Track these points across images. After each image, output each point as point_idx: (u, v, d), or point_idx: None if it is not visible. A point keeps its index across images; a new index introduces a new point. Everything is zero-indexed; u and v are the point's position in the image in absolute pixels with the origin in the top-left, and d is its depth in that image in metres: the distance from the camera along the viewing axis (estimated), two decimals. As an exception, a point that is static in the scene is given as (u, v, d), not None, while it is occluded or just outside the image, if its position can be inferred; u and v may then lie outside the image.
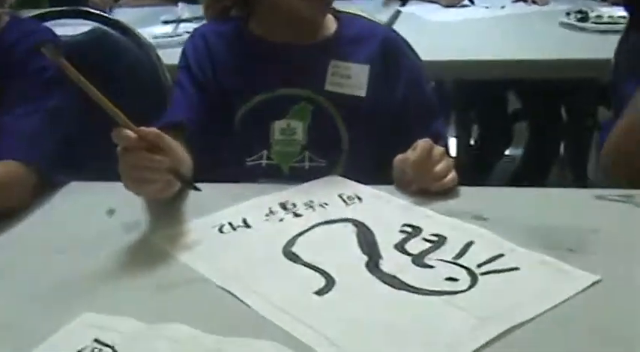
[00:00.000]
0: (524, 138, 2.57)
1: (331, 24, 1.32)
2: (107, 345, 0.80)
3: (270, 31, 1.30)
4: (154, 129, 0.99)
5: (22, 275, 0.97)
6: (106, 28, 1.68)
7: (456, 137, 2.54)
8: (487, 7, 2.44)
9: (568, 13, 2.18)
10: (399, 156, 1.13)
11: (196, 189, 1.07)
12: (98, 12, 1.76)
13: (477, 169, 2.45)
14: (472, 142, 2.61)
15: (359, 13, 1.49)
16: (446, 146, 1.32)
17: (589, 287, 0.86)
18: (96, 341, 0.80)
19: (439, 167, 1.11)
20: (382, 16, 2.32)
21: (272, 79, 1.28)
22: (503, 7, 2.44)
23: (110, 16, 1.78)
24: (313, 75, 1.27)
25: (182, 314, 0.84)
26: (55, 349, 0.80)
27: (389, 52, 1.31)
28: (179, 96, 1.32)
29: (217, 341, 0.80)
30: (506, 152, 2.65)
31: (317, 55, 1.28)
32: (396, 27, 2.25)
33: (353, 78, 1.27)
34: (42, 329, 0.82)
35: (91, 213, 1.12)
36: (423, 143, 1.11)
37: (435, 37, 2.17)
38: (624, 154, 1.22)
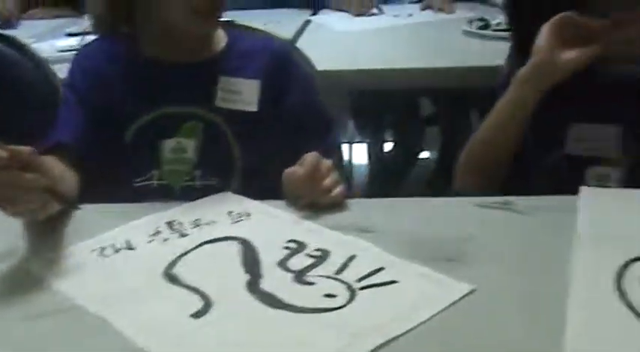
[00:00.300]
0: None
1: (221, 39, 1.31)
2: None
3: (159, 48, 1.28)
4: (26, 148, 0.96)
5: None
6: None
7: (368, 143, 2.56)
8: (396, 16, 2.46)
9: (470, 21, 2.22)
10: (288, 170, 1.13)
11: (75, 207, 1.04)
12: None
13: (392, 175, 2.47)
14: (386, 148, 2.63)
15: (252, 26, 1.48)
16: (340, 158, 1.34)
17: (464, 296, 0.87)
18: None
19: (327, 181, 1.11)
20: (292, 26, 2.34)
21: (161, 97, 1.26)
22: (410, 16, 2.47)
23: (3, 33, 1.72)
24: (203, 92, 1.26)
25: (52, 346, 0.81)
26: None
27: (280, 66, 1.31)
28: (65, 114, 1.29)
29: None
30: (423, 155, 2.69)
31: (206, 72, 1.27)
32: (305, 37, 2.27)
33: (243, 93, 1.26)
34: None
35: None
36: (310, 157, 1.11)
37: (343, 46, 2.18)
38: (473, 164, 1.24)
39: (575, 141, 1.18)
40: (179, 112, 1.26)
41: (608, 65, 1.17)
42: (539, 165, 1.20)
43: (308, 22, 2.45)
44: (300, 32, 2.30)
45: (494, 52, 1.98)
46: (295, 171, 1.11)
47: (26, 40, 1.80)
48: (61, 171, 1.06)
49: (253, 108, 1.26)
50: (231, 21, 1.41)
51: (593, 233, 1.00)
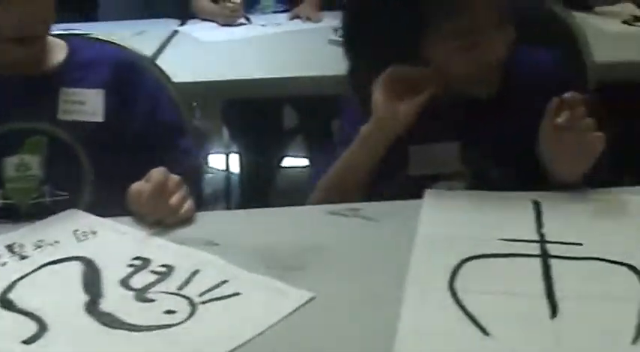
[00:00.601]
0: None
1: (60, 51, 1.27)
2: None
3: None
4: None
5: None
6: None
7: (239, 153, 2.56)
8: (263, 26, 2.47)
9: (336, 30, 2.25)
10: (133, 187, 1.11)
11: None
12: None
13: (257, 184, 2.48)
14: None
15: (93, 35, 1.45)
16: (197, 169, 1.32)
17: (304, 304, 0.89)
18: None
19: (174, 198, 1.10)
20: (160, 37, 2.31)
21: (2, 114, 1.21)
22: (279, 25, 2.48)
23: None
24: (44, 105, 1.22)
25: None
26: None
27: (123, 76, 1.28)
28: None
29: None
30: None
31: (46, 85, 1.23)
32: (171, 47, 2.25)
33: (87, 104, 1.23)
34: None
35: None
36: (156, 173, 1.09)
37: (208, 57, 2.17)
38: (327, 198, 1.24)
39: (416, 162, 1.22)
40: (22, 128, 1.21)
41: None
42: (388, 186, 1.23)
43: (175, 32, 2.43)
44: (166, 42, 2.28)
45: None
46: (141, 188, 1.09)
47: None
48: None
49: (98, 118, 1.24)
50: (70, 33, 1.38)
51: (432, 234, 1.04)
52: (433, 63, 1.18)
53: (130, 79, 1.29)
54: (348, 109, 1.34)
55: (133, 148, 1.26)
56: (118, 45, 1.41)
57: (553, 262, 0.96)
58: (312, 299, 0.89)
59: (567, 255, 0.97)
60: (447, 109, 1.18)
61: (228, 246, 1.03)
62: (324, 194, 1.23)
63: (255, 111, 2.41)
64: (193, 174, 1.29)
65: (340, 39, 2.16)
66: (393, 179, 1.23)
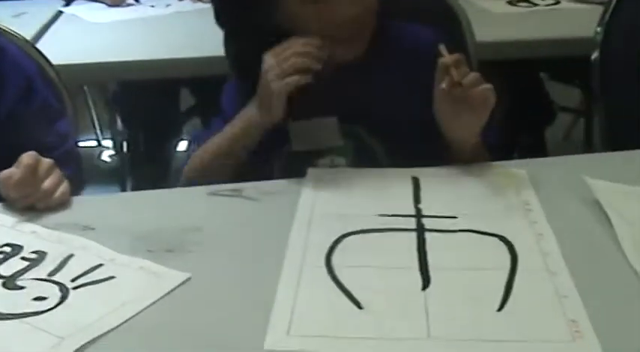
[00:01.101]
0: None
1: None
2: None
3: None
4: None
5: None
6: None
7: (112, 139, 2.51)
8: (152, 6, 2.42)
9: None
10: (4, 172, 1.05)
11: None
12: None
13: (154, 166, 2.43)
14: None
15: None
16: (71, 153, 1.28)
17: (179, 285, 0.88)
18: None
19: (47, 182, 1.06)
20: (42, 18, 2.22)
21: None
22: (169, 6, 2.43)
23: None
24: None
25: None
26: None
27: None
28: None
29: None
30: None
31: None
32: (56, 29, 2.17)
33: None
34: None
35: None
36: (27, 158, 1.05)
37: (95, 38, 2.10)
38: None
39: (298, 138, 1.22)
40: None
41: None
42: (271, 163, 1.23)
43: (60, 13, 2.34)
44: (49, 24, 2.19)
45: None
46: (11, 174, 1.05)
47: None
48: None
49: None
50: None
51: (311, 213, 1.04)
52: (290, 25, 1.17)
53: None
54: (227, 85, 1.33)
55: (3, 136, 1.20)
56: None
57: (428, 236, 0.98)
58: (188, 279, 0.89)
59: (441, 228, 1.00)
60: (323, 82, 1.17)
61: (106, 230, 1.01)
62: (198, 172, 1.22)
63: (150, 94, 2.36)
64: (70, 158, 1.26)
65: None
66: (277, 155, 1.23)
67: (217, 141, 1.21)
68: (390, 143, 1.24)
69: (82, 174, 1.31)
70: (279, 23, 1.17)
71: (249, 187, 1.14)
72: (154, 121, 2.43)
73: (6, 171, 1.06)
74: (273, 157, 1.24)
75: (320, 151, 1.24)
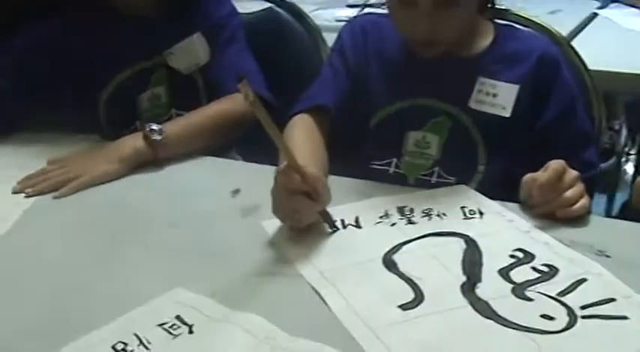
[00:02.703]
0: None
1: (486, 38, 1.26)
2: (186, 324, 0.83)
3: None
4: (316, 174, 1.00)
5: (133, 244, 1.03)
6: (279, 9, 1.72)
7: None
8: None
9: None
10: (529, 175, 1.06)
11: (334, 228, 1.05)
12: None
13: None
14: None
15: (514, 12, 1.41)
16: (594, 176, 1.23)
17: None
18: (177, 317, 0.84)
19: (570, 193, 1.03)
20: (577, 17, 2.19)
21: (416, 88, 1.24)
22: None
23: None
24: (459, 90, 1.22)
25: (265, 306, 0.86)
26: (142, 319, 0.85)
27: (544, 70, 1.23)
28: (329, 77, 1.30)
29: (289, 340, 0.80)
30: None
31: (466, 71, 1.22)
32: (589, 30, 2.11)
33: (500, 97, 1.21)
34: (141, 295, 0.88)
35: (215, 190, 1.17)
36: (555, 164, 1.04)
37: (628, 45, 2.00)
38: None
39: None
40: (430, 105, 1.23)
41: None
42: None
43: (595, 15, 2.28)
44: (583, 25, 2.15)
45: None
46: (536, 176, 1.04)
47: (309, 7, 1.87)
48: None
49: (507, 113, 1.20)
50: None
51: None
52: None
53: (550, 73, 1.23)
54: None
55: (530, 148, 1.21)
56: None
57: None
58: None
59: None
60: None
61: (622, 260, 0.94)
62: None
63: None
64: (588, 185, 1.21)
65: None
66: None
67: None
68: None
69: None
70: None
71: None
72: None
73: (532, 174, 1.05)
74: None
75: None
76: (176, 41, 1.42)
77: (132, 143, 1.26)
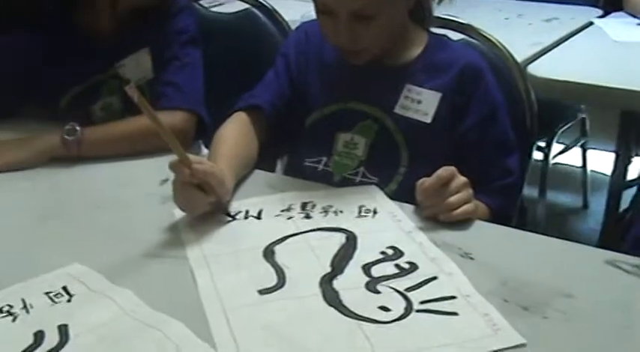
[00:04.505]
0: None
1: (419, 47, 1.34)
2: (69, 294, 0.95)
3: None
4: (205, 169, 1.10)
5: (60, 222, 1.16)
6: (255, 10, 1.82)
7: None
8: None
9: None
10: (422, 180, 1.13)
11: (230, 217, 1.15)
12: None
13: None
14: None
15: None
16: (513, 183, 1.30)
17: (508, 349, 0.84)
18: (64, 288, 0.96)
19: (454, 198, 1.11)
20: (572, 26, 2.20)
21: (348, 92, 1.33)
22: None
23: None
24: (386, 95, 1.31)
25: (143, 283, 0.97)
26: (34, 287, 0.97)
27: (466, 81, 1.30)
28: (271, 79, 1.41)
29: (149, 314, 0.91)
30: None
31: (395, 78, 1.31)
32: (576, 39, 2.13)
33: (423, 103, 1.29)
34: (47, 266, 1.01)
35: (147, 179, 1.29)
36: (441, 171, 1.11)
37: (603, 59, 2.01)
38: None
39: None
40: (360, 109, 1.32)
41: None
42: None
43: (590, 24, 2.30)
44: (574, 34, 2.18)
45: None
46: (424, 181, 1.12)
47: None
48: (228, 183, 1.17)
49: (428, 119, 1.28)
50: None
51: None
52: None
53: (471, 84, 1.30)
54: None
55: (452, 154, 1.28)
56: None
57: None
58: (521, 345, 0.84)
59: None
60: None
61: (484, 262, 1.01)
62: None
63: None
64: (505, 191, 1.29)
65: None
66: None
67: None
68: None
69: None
70: None
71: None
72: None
73: (424, 179, 1.12)
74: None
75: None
76: (127, 55, 1.53)
77: (49, 138, 1.38)
